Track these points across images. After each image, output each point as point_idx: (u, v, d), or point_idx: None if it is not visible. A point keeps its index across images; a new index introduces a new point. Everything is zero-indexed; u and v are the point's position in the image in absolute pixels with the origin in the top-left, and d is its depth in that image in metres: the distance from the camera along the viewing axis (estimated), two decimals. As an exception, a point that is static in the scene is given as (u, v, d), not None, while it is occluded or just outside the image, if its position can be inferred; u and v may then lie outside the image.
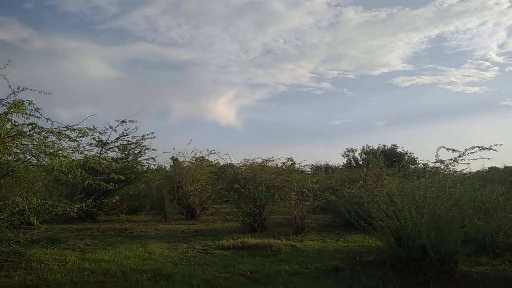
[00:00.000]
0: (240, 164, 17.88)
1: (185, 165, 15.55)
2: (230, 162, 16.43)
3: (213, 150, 15.93)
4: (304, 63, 56.80)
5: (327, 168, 31.41)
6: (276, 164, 13.77)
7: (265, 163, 14.61)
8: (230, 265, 6.60)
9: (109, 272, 5.80)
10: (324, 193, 11.42)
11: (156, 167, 15.35)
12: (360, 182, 12.22)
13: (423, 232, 5.67)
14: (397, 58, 53.63)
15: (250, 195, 10.64)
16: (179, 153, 15.75)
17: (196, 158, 15.97)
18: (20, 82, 6.34)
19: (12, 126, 4.83)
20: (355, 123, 57.50)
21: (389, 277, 5.90)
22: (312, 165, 32.10)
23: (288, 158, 12.65)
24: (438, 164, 7.08)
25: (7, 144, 4.79)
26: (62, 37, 46.76)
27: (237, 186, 10.93)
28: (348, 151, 39.28)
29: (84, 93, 46.74)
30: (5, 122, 4.70)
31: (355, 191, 10.29)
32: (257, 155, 19.49)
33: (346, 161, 38.61)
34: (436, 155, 6.77)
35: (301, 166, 14.06)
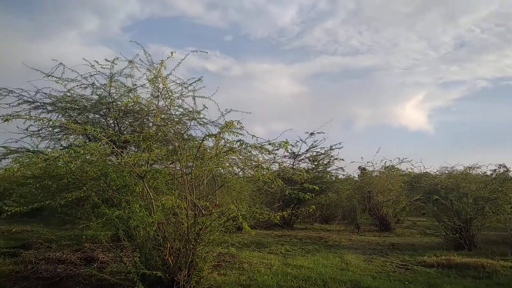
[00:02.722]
0: (437, 172, 16.30)
1: (374, 174, 15.10)
2: (425, 171, 15.13)
3: (405, 158, 15.04)
4: (509, 51, 48.04)
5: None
6: (484, 172, 11.97)
7: (467, 171, 12.91)
8: (435, 284, 5.99)
9: (309, 279, 6.02)
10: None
11: (344, 177, 15.39)
12: None
13: None
14: None
15: (452, 207, 9.49)
16: (367, 162, 15.45)
17: (385, 167, 15.33)
18: (225, 105, 7.32)
19: (225, 144, 5.57)
20: None
21: None
22: (531, 171, 26.63)
23: (500, 165, 10.81)
24: None
25: (221, 159, 5.53)
26: (255, 61, 52.33)
27: (437, 197, 9.92)
28: None
29: (275, 110, 50.91)
30: (219, 140, 5.44)
31: None
32: (456, 162, 17.21)
33: None
34: None
35: (517, 173, 11.83)
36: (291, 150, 14.10)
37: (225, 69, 50.49)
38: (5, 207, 4.74)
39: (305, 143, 14.01)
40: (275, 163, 9.49)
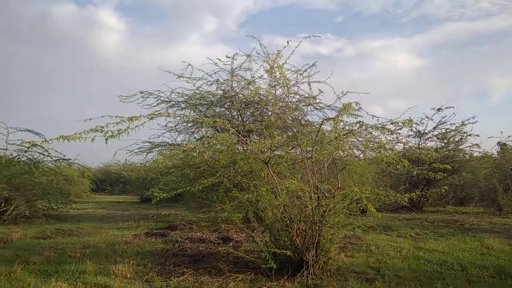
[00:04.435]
0: None
1: (518, 150, 13.30)
2: None
3: (558, 129, 12.87)
4: None
5: None
6: None
7: None
8: None
9: (445, 264, 5.68)
10: None
11: (480, 154, 13.88)
12: None
13: None
14: None
15: None
16: (508, 137, 13.70)
17: (532, 141, 13.36)
18: (340, 87, 7.24)
19: (343, 126, 5.55)
20: None
21: None
22: None
23: None
24: None
25: (341, 142, 5.53)
26: (370, 39, 49.85)
27: None
28: None
29: (393, 87, 47.92)
30: (338, 123, 5.45)
31: None
32: None
33: None
34: None
35: None
36: (416, 128, 13.25)
37: (337, 51, 49.19)
38: (155, 194, 5.54)
39: (432, 120, 13.01)
40: (399, 143, 9.09)
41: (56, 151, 11.08)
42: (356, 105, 5.24)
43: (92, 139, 4.38)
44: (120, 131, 4.48)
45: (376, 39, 49.63)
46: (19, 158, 10.92)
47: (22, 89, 46.05)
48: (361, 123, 5.15)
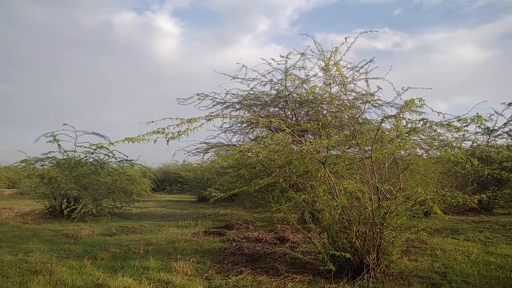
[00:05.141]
0: None
1: None
2: None
3: None
4: None
5: None
6: None
7: None
8: None
9: (520, 270, 5.23)
10: None
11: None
12: None
13: None
14: None
15: None
16: None
17: None
18: (400, 83, 6.94)
19: (406, 124, 5.29)
20: None
21: None
22: None
23: None
24: None
25: (403, 140, 5.27)
26: (431, 31, 47.48)
27: None
28: None
29: (458, 82, 45.23)
30: (400, 121, 5.20)
31: None
32: None
33: None
34: None
35: None
36: (484, 125, 12.34)
37: (396, 46, 47.33)
38: (212, 194, 5.62)
39: (502, 115, 12.05)
40: (466, 141, 8.52)
41: (119, 152, 11.70)
42: (419, 101, 4.98)
43: (155, 141, 4.52)
44: (180, 133, 4.59)
45: (438, 31, 47.17)
46: (86, 159, 11.69)
47: (83, 95, 49.31)
48: (425, 120, 4.88)
